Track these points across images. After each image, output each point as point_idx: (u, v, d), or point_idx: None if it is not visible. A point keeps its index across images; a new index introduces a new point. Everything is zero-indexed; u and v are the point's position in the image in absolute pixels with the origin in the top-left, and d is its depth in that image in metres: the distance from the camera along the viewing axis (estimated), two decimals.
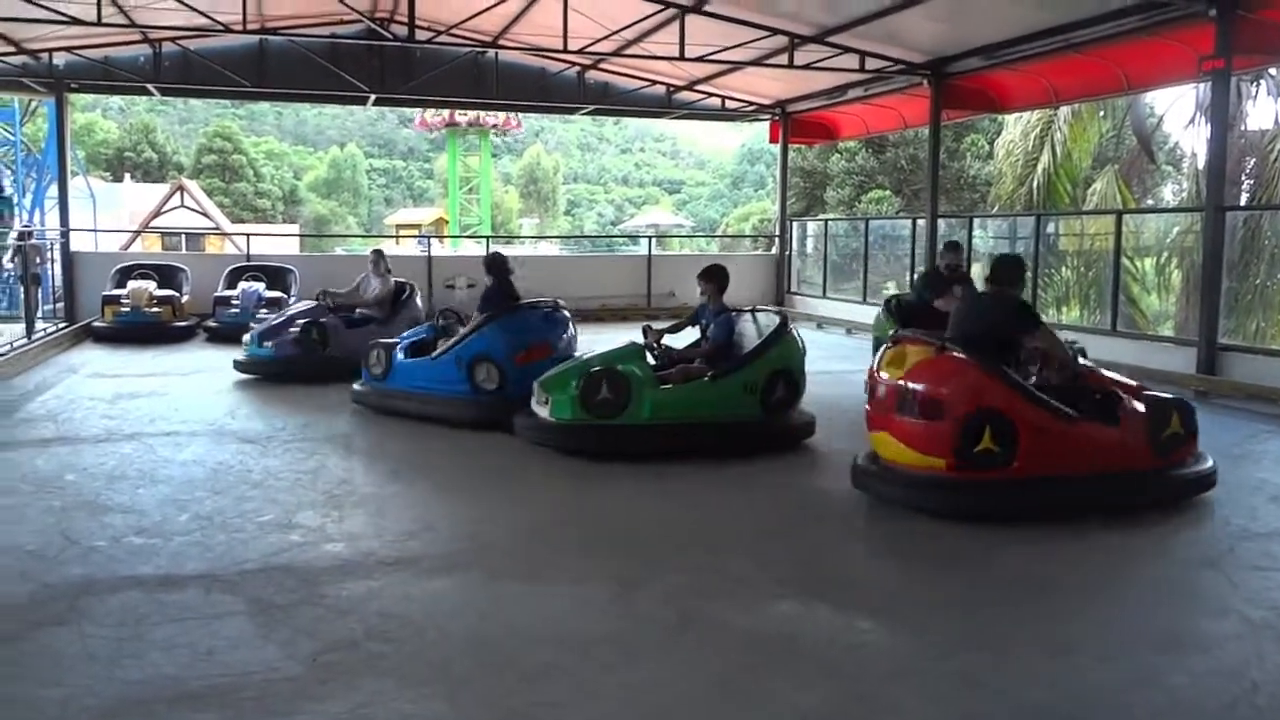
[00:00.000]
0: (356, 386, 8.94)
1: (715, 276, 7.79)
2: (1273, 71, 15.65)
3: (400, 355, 8.68)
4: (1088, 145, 19.43)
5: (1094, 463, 5.67)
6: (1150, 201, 21.72)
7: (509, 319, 8.37)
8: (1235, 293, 14.04)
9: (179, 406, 8.88)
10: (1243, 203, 16.05)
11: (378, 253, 11.33)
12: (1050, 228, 16.28)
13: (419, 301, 11.58)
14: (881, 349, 6.23)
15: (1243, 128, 16.37)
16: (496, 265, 8.83)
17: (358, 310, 10.92)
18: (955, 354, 5.66)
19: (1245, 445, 7.78)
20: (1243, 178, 16.49)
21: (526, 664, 3.79)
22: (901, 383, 5.72)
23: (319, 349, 10.25)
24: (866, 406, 6.03)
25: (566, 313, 8.74)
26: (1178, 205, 20.99)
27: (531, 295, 9.01)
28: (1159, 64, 11.38)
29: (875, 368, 6.04)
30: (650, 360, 7.37)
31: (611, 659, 3.83)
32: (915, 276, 10.04)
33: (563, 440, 7.17)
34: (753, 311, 7.95)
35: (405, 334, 9.17)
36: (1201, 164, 14.67)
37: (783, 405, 7.42)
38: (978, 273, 11.13)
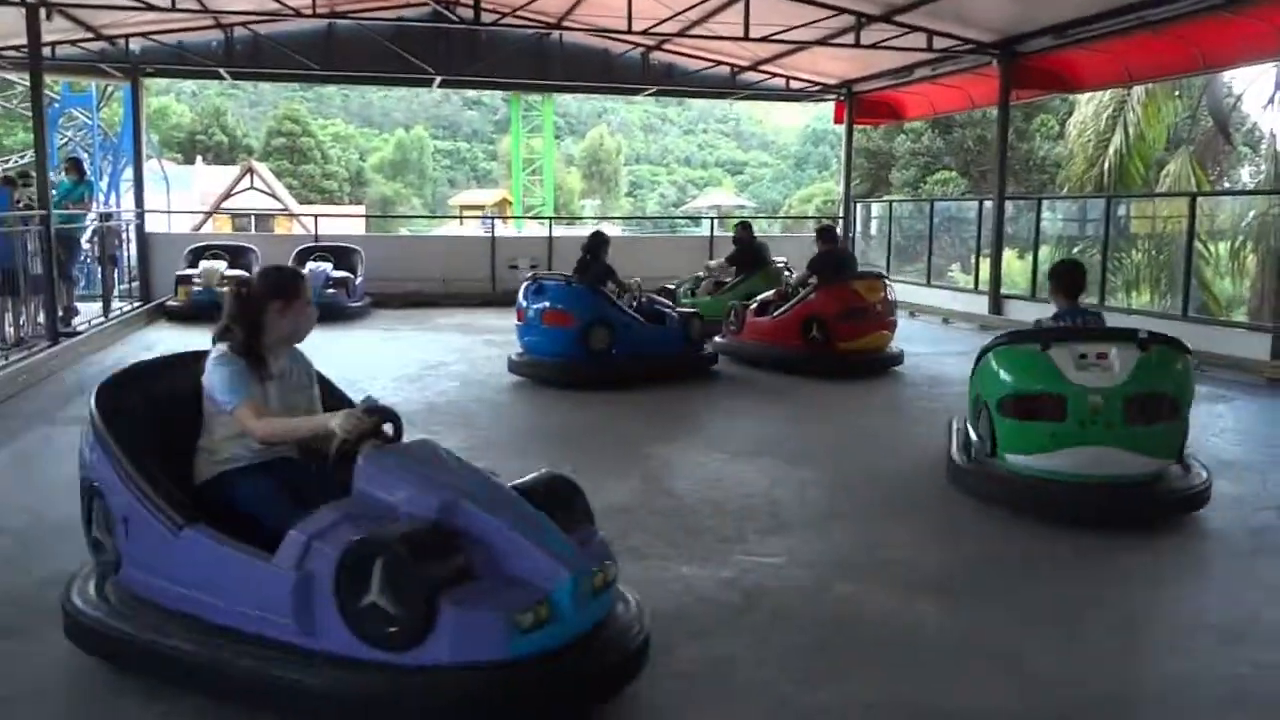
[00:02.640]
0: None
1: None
2: None
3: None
4: (1162, 126, 18.95)
5: None
6: (1226, 184, 21.15)
7: None
8: None
9: None
10: None
11: None
12: (1121, 210, 15.96)
13: None
14: None
15: None
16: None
17: None
18: None
19: None
20: None
21: None
22: None
23: None
24: None
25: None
26: (1255, 187, 20.44)
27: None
28: (1238, 42, 11.03)
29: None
30: None
31: None
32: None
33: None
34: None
35: None
36: None
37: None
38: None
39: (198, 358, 3.71)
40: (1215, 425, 7.93)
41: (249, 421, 3.44)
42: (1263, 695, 3.50)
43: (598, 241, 9.98)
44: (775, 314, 10.16)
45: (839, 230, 18.64)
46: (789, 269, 11.90)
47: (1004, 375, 5.49)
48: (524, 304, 9.42)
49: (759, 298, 10.63)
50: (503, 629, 2.92)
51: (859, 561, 4.78)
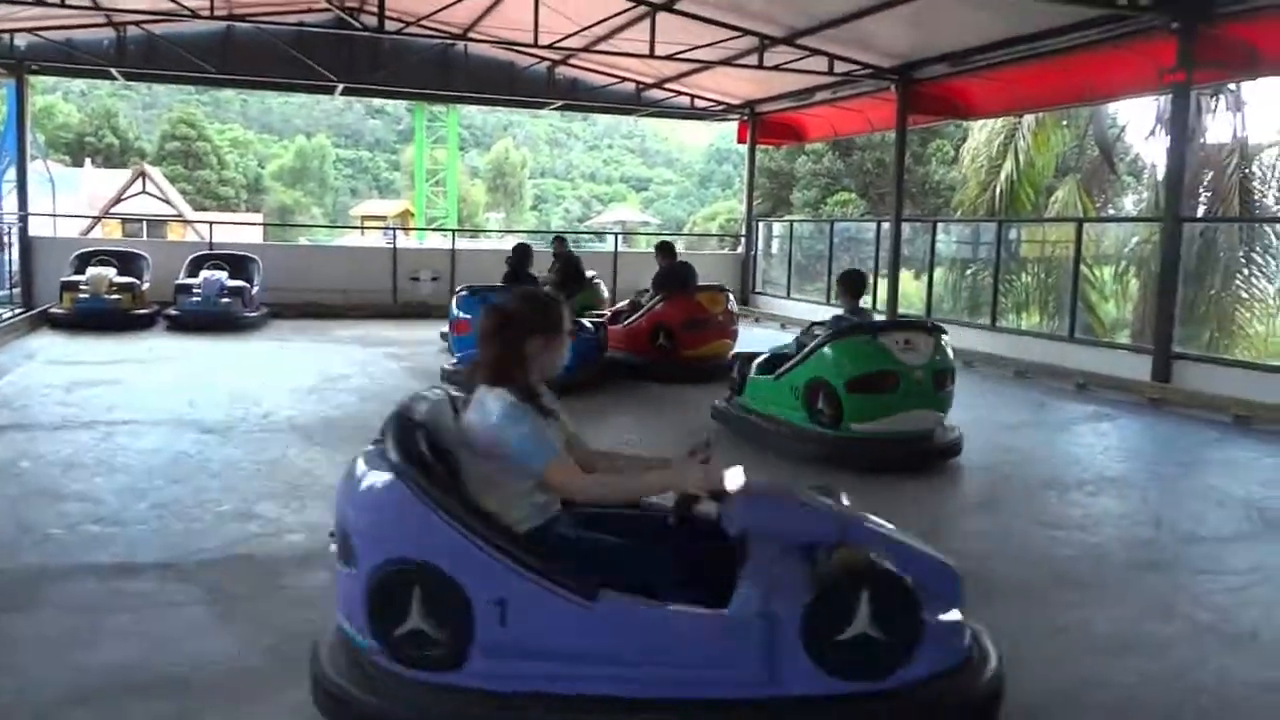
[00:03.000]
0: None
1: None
2: (1232, 86, 15.90)
3: None
4: (1051, 154, 19.66)
5: None
6: (1111, 211, 22.01)
7: None
8: (1191, 302, 14.28)
9: (137, 395, 8.79)
10: (1200, 214, 16.32)
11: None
12: (1012, 234, 16.50)
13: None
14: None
15: (1202, 140, 16.62)
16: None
17: None
18: None
19: (1196, 452, 7.97)
20: (1200, 190, 16.74)
21: None
22: None
23: None
24: None
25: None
26: (1137, 215, 21.31)
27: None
28: (1121, 75, 11.53)
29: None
30: None
31: None
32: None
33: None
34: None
35: None
36: (1161, 175, 14.89)
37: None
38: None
39: (452, 402, 3.31)
40: (1100, 444, 8.27)
41: (568, 481, 3.00)
42: (1149, 704, 3.62)
43: (522, 254, 10.70)
44: (626, 323, 10.88)
45: (741, 248, 18.98)
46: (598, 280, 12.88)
47: (848, 361, 6.83)
48: (464, 315, 9.73)
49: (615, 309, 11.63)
50: (960, 633, 3.05)
51: None
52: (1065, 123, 19.89)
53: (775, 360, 7.57)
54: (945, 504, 6.27)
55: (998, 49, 11.97)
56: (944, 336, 7.09)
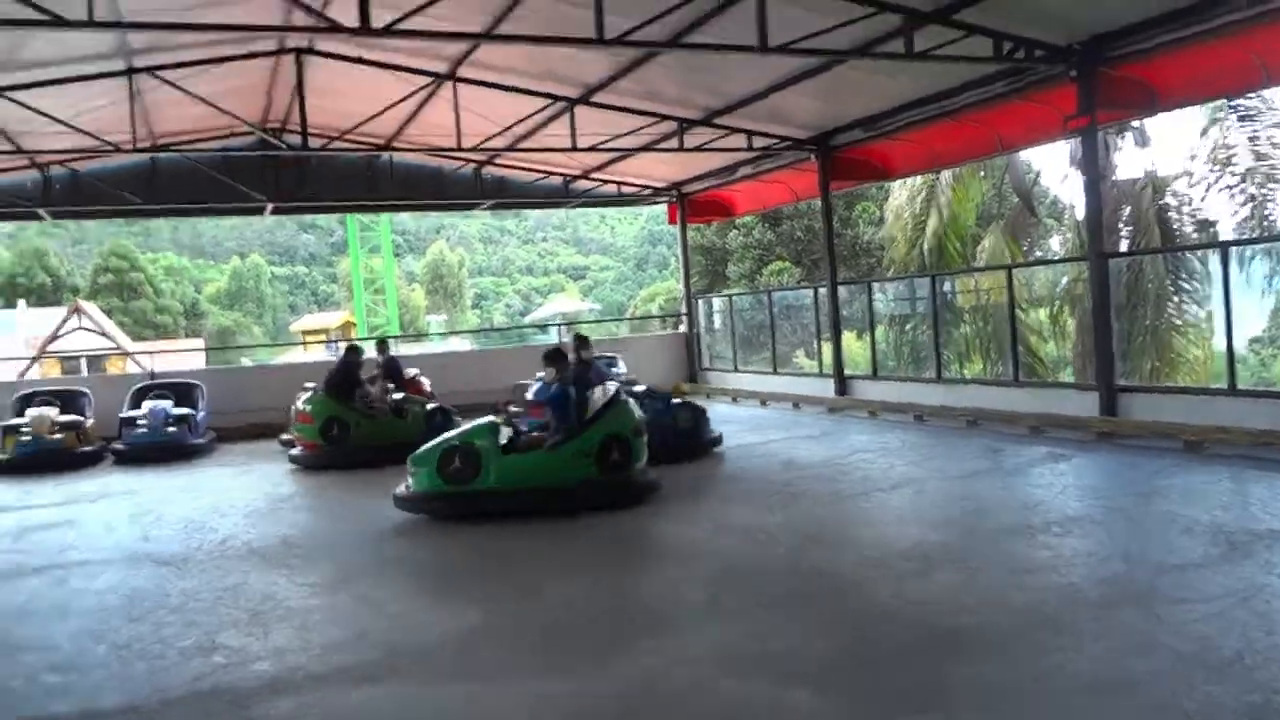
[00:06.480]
0: None
1: (554, 359, 8.74)
2: (1135, 123, 16.52)
3: None
4: (971, 205, 20.20)
5: None
6: (1039, 253, 22.56)
7: None
8: (1127, 335, 14.63)
9: (90, 534, 8.57)
10: (1123, 248, 16.79)
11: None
12: (946, 286, 16.86)
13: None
14: None
15: (1114, 177, 17.20)
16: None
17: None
18: None
19: (1152, 482, 8.07)
20: (1120, 225, 17.26)
21: None
22: None
23: None
24: None
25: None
26: (1063, 256, 21.87)
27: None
28: (1029, 124, 11.96)
29: None
30: (503, 436, 8.29)
31: None
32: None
33: (425, 507, 8.22)
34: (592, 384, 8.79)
35: None
36: (1081, 215, 15.34)
37: (620, 466, 8.31)
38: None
39: None
40: (1058, 484, 8.35)
41: None
42: None
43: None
44: None
45: (683, 326, 19.11)
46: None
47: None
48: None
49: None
50: None
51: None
52: (983, 173, 20.50)
53: None
54: (907, 561, 6.26)
55: (908, 109, 12.38)
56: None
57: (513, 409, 9.68)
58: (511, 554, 7.16)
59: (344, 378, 12.15)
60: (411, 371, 13.74)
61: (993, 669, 4.36)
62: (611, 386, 8.72)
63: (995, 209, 21.88)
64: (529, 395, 11.36)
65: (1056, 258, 22.95)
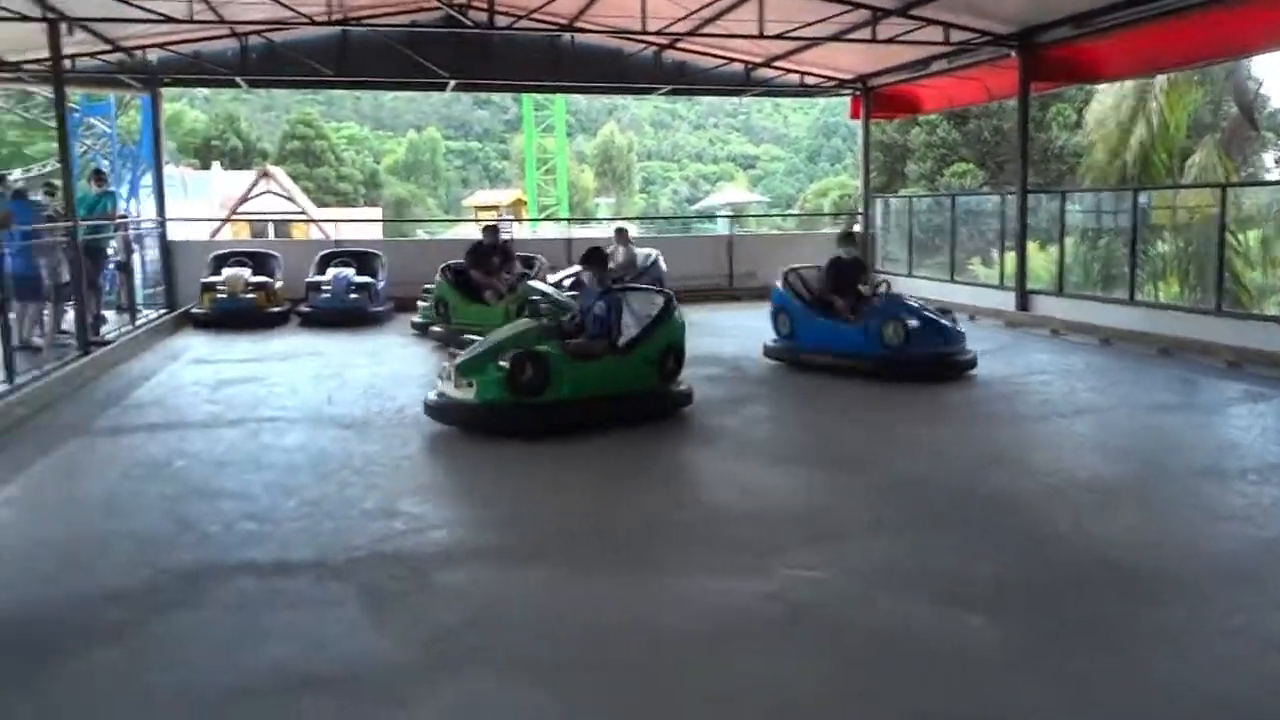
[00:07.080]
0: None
1: (594, 260, 8.39)
2: None
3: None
4: (1185, 114, 18.77)
5: None
6: (1251, 171, 20.90)
7: None
8: None
9: (278, 392, 9.09)
10: None
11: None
12: (1142, 199, 15.82)
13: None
14: None
15: None
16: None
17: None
18: None
19: None
20: None
21: (624, 656, 3.82)
22: None
23: None
24: None
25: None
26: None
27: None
28: (1264, 26, 10.87)
29: None
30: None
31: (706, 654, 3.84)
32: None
33: (489, 421, 7.36)
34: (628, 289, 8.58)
35: None
36: None
37: (672, 375, 8.17)
38: None
39: None
40: (1257, 425, 7.66)
41: None
42: None
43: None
44: None
45: (859, 226, 18.59)
46: None
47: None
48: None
49: None
50: None
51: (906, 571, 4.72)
52: (1199, 79, 18.97)
53: None
54: (1089, 492, 6.01)
55: (1126, 8, 11.44)
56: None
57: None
58: (657, 457, 7.09)
59: (475, 260, 12.61)
60: (649, 252, 14.28)
61: (1178, 616, 4.15)
62: (659, 300, 8.20)
63: (1209, 120, 20.31)
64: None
65: (1276, 177, 21.28)
